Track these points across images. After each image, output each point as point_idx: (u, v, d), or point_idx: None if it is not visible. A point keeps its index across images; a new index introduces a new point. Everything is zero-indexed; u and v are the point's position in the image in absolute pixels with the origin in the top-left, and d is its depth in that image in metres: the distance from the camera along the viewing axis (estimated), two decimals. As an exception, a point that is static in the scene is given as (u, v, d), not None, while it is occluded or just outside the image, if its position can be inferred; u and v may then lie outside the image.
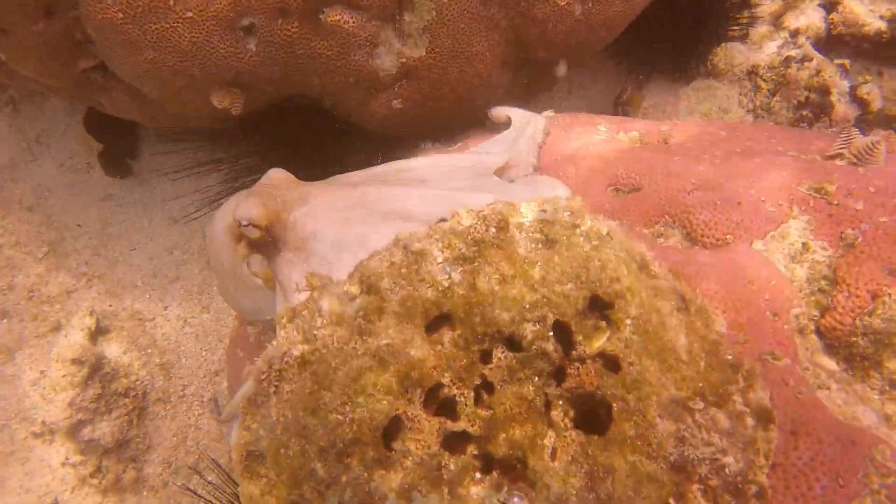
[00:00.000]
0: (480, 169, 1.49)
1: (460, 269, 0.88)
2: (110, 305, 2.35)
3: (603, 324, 0.90)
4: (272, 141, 2.05)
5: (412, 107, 1.92)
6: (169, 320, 2.36)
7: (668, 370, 0.91)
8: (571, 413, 0.86)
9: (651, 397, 0.87)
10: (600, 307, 0.90)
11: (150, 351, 2.30)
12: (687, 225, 1.29)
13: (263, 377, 0.91)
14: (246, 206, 1.25)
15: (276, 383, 0.89)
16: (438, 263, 0.89)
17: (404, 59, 1.80)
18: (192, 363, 2.31)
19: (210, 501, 1.94)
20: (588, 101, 2.45)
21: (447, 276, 0.87)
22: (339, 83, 1.85)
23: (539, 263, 0.88)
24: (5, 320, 2.32)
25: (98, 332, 2.25)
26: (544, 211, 0.96)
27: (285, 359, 0.88)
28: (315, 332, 0.88)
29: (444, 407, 0.85)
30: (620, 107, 2.33)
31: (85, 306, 2.33)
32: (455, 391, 0.84)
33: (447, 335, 0.85)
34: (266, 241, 1.29)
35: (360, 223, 1.19)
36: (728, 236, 1.23)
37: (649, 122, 1.78)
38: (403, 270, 0.88)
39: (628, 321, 0.90)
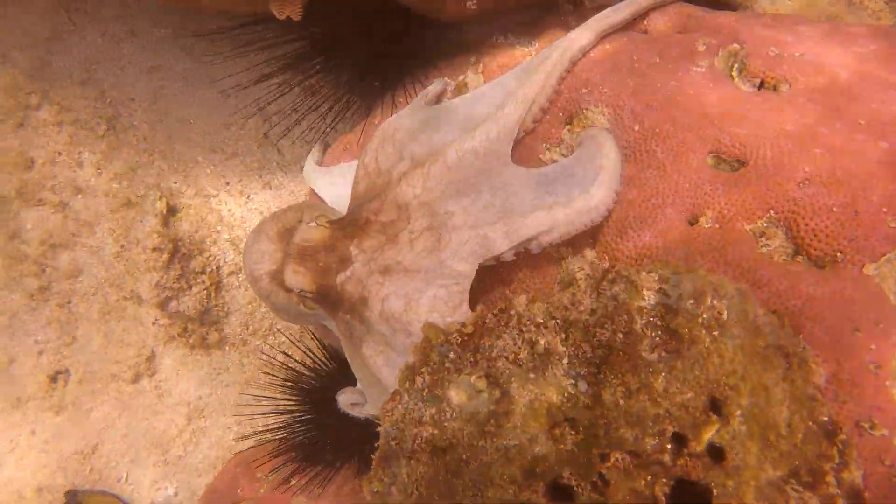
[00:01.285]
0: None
1: (586, 376, 0.91)
2: (175, 182, 2.37)
3: (714, 417, 0.95)
4: (332, 31, 1.89)
5: (487, 6, 1.72)
6: (232, 196, 2.40)
7: (769, 447, 0.98)
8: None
9: (750, 482, 0.96)
10: (714, 403, 0.94)
11: (218, 228, 2.37)
12: (793, 228, 1.25)
13: (394, 442, 1.00)
14: (295, 280, 1.39)
15: (408, 456, 0.98)
16: (564, 365, 0.92)
17: (485, -42, 1.58)
18: (262, 238, 2.40)
19: (287, 354, 2.19)
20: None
21: (573, 383, 0.91)
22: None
23: (662, 374, 0.90)
24: (80, 195, 2.37)
25: (169, 213, 2.31)
26: (667, 296, 0.95)
27: (416, 440, 0.96)
28: (445, 424, 0.94)
29: (561, 492, 0.95)
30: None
31: (150, 182, 2.36)
32: (573, 482, 0.93)
33: (570, 437, 0.92)
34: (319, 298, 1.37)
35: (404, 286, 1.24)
36: (838, 254, 1.20)
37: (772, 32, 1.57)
38: (531, 375, 0.91)
39: (738, 413, 0.95)
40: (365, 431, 1.80)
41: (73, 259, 2.42)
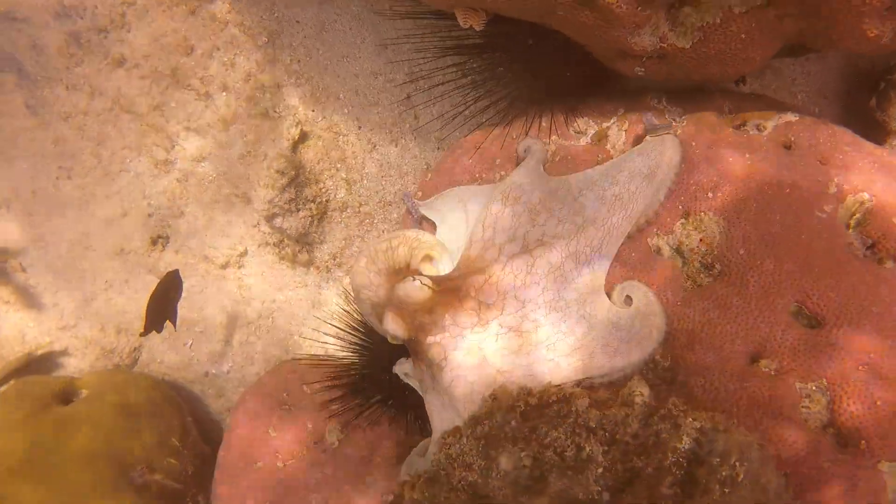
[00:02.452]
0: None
1: (611, 489, 1.09)
2: (313, 111, 2.55)
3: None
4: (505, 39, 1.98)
5: (654, 76, 1.80)
6: (360, 140, 2.57)
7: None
8: None
9: None
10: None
11: (338, 165, 2.57)
12: (836, 402, 1.37)
13: (443, 472, 1.21)
14: (392, 326, 1.61)
15: (451, 488, 1.20)
16: (598, 474, 1.10)
17: (665, 45, 1.65)
18: (372, 186, 2.59)
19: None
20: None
21: (599, 490, 1.10)
22: (590, 39, 1.73)
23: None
24: (224, 93, 2.59)
25: (300, 140, 2.51)
26: (700, 446, 1.12)
27: (462, 480, 1.17)
28: (489, 479, 1.15)
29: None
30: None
31: (291, 104, 2.55)
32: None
33: None
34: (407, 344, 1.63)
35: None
36: (863, 442, 1.33)
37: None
38: (570, 472, 1.10)
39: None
40: (409, 397, 2.03)
41: (202, 146, 2.67)
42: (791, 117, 1.84)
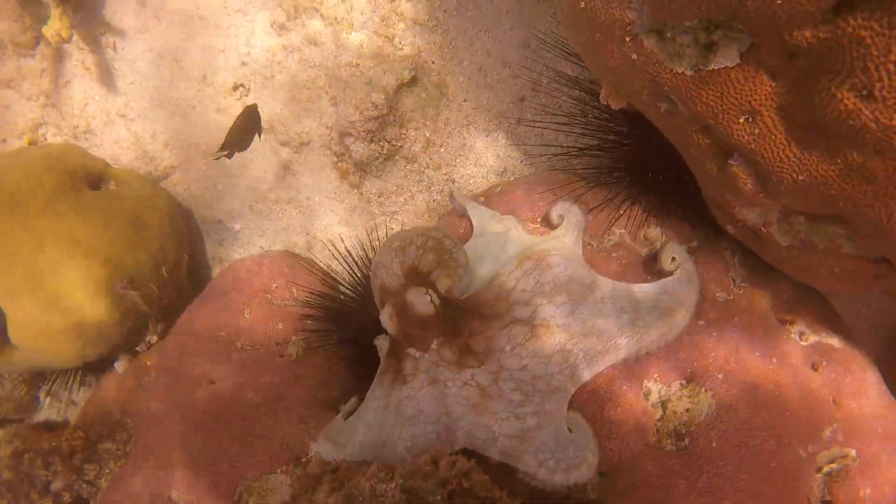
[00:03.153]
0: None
1: None
2: (433, 63, 2.52)
3: None
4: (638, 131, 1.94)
5: (742, 240, 1.80)
6: (459, 113, 2.56)
7: None
8: None
9: None
10: None
11: (428, 123, 2.56)
12: None
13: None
14: (385, 321, 1.72)
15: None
16: None
17: (765, 231, 1.64)
18: (446, 157, 2.59)
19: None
20: None
21: None
22: (707, 185, 1.71)
23: None
24: (355, 11, 2.55)
25: (409, 83, 2.50)
26: None
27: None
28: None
29: None
30: None
31: (416, 44, 2.52)
32: None
33: None
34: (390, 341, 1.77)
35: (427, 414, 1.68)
36: None
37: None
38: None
39: None
40: (375, 362, 2.13)
41: (321, 32, 2.65)
42: (836, 343, 1.86)
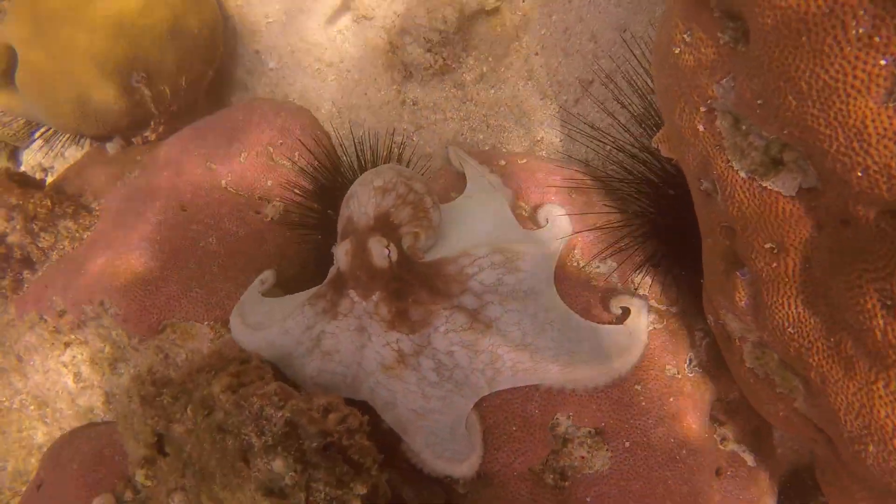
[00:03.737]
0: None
1: None
2: (523, 1, 2.34)
3: None
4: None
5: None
6: (524, 64, 2.40)
7: None
8: None
9: None
10: None
11: (490, 59, 2.41)
12: None
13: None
14: (340, 257, 1.72)
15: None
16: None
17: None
18: (492, 98, 2.46)
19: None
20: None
21: None
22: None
23: None
24: None
25: (487, 13, 2.32)
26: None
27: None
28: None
29: None
30: None
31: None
32: None
33: None
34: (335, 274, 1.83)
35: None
36: None
37: None
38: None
39: None
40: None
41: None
42: (750, 461, 1.87)
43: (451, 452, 1.68)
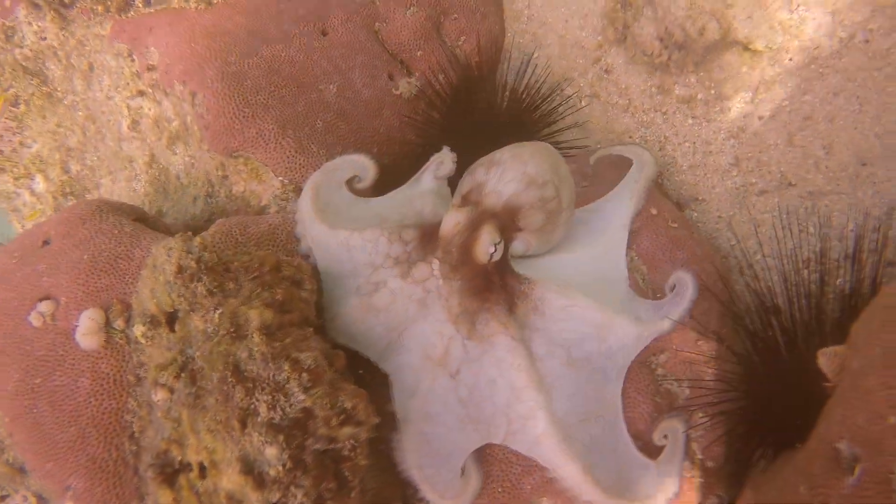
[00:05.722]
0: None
1: None
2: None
3: None
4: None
5: None
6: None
7: None
8: None
9: None
10: None
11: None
12: None
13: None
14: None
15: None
16: None
17: None
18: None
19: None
20: None
21: None
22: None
23: None
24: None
25: None
26: None
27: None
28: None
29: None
30: None
31: None
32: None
33: None
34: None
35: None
36: None
37: None
38: None
39: None
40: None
41: None
42: None
43: (434, 475, 1.59)
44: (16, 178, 2.59)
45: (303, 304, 1.45)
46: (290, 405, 1.23)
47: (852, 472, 1.22)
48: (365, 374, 1.60)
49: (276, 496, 1.19)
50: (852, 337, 1.38)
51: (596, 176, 1.98)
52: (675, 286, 1.71)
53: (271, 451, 1.19)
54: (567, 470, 1.54)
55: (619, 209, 1.81)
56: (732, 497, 1.72)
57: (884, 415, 1.18)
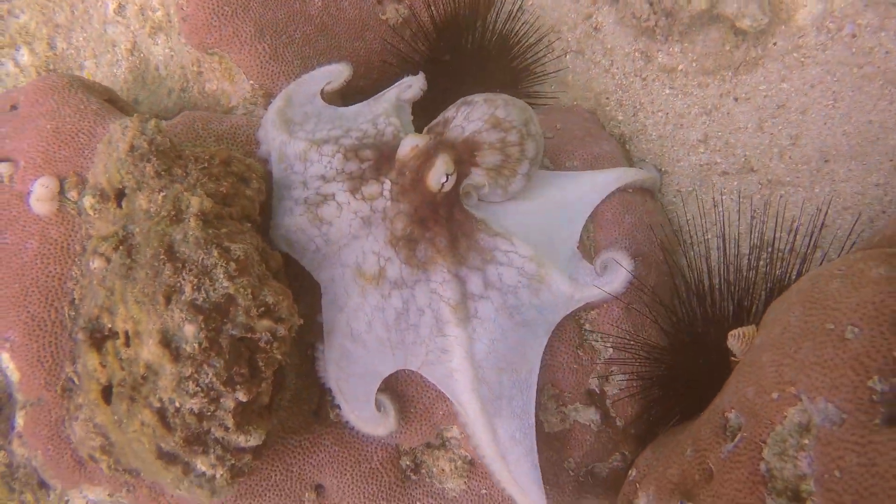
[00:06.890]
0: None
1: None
2: None
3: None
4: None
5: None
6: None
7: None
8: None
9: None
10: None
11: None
12: None
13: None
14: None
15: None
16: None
17: None
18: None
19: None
20: None
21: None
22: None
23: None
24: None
25: None
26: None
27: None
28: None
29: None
30: None
31: None
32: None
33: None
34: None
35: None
36: None
37: None
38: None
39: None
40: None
41: None
42: None
43: (349, 390, 1.65)
44: (0, 47, 2.58)
45: (246, 200, 1.49)
46: (214, 289, 1.28)
47: (734, 440, 1.29)
48: (303, 283, 1.65)
49: (188, 371, 1.25)
50: (765, 317, 1.45)
51: (563, 131, 2.01)
52: (606, 265, 1.73)
53: (189, 329, 1.25)
54: (468, 408, 1.61)
55: (598, 181, 1.82)
56: (636, 456, 1.80)
57: (769, 390, 1.24)
